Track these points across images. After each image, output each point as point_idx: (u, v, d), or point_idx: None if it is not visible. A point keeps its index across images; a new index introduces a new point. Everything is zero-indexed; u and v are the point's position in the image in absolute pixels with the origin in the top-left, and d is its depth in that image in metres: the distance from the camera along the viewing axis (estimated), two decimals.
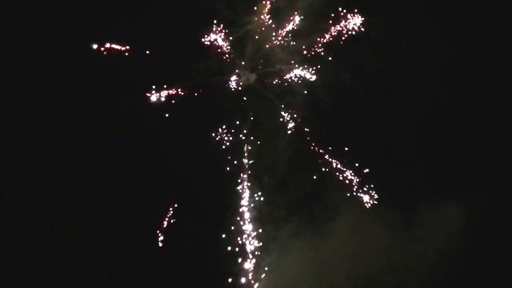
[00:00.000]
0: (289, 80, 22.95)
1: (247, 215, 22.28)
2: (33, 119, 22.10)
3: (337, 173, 22.62)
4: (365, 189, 22.27)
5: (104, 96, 22.38)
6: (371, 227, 21.60)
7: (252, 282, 21.72)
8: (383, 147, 22.73)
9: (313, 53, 22.90)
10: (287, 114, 22.88)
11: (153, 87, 22.32)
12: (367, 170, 22.35)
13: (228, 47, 22.76)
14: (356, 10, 22.59)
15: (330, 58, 22.85)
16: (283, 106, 22.89)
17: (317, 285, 21.36)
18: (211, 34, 22.46)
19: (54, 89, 22.13)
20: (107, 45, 21.99)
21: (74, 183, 22.08)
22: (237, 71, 23.00)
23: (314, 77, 22.83)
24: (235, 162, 22.73)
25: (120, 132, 22.36)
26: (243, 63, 22.97)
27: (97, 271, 21.68)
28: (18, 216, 21.74)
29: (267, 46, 22.88)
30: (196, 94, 22.62)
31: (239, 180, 22.59)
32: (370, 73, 22.62)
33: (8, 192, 21.93)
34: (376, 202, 22.05)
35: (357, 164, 22.45)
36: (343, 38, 22.83)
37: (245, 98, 23.05)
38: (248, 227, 22.12)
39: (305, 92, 22.94)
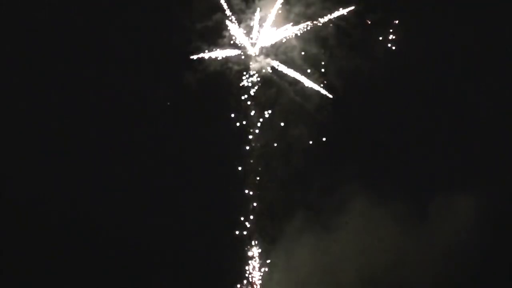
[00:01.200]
0: (303, 67, 21.92)
1: (256, 209, 22.32)
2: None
3: (350, 164, 22.33)
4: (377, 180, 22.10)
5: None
6: (382, 222, 21.62)
7: (260, 277, 22.13)
8: (395, 141, 22.30)
9: (327, 40, 21.70)
10: (300, 102, 22.13)
11: (163, 78, 21.76)
12: (379, 164, 22.18)
13: (241, 35, 21.63)
14: None
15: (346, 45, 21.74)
16: (296, 94, 22.05)
17: (326, 280, 21.72)
18: (223, 22, 21.36)
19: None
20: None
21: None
22: (250, 59, 21.97)
23: (328, 64, 21.85)
24: (247, 152, 22.36)
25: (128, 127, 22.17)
26: (256, 51, 21.80)
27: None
28: None
29: (280, 33, 21.60)
30: (208, 84, 21.82)
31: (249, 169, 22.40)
32: (388, 62, 21.74)
33: None
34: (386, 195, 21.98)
35: (369, 157, 22.21)
36: (359, 24, 21.68)
37: (258, 86, 22.19)
38: (256, 221, 22.24)
39: (320, 79, 22.00)
